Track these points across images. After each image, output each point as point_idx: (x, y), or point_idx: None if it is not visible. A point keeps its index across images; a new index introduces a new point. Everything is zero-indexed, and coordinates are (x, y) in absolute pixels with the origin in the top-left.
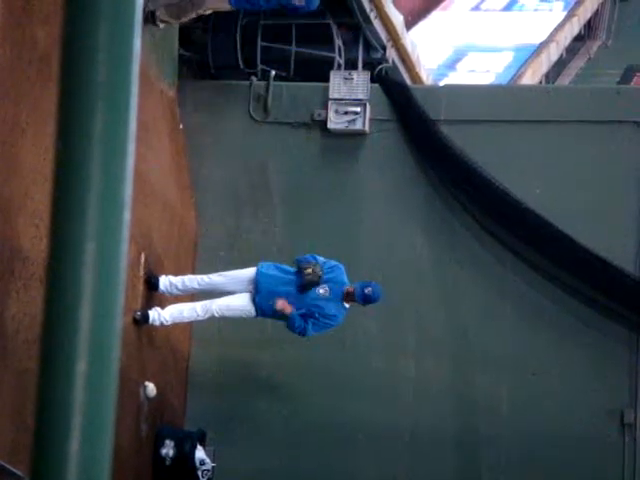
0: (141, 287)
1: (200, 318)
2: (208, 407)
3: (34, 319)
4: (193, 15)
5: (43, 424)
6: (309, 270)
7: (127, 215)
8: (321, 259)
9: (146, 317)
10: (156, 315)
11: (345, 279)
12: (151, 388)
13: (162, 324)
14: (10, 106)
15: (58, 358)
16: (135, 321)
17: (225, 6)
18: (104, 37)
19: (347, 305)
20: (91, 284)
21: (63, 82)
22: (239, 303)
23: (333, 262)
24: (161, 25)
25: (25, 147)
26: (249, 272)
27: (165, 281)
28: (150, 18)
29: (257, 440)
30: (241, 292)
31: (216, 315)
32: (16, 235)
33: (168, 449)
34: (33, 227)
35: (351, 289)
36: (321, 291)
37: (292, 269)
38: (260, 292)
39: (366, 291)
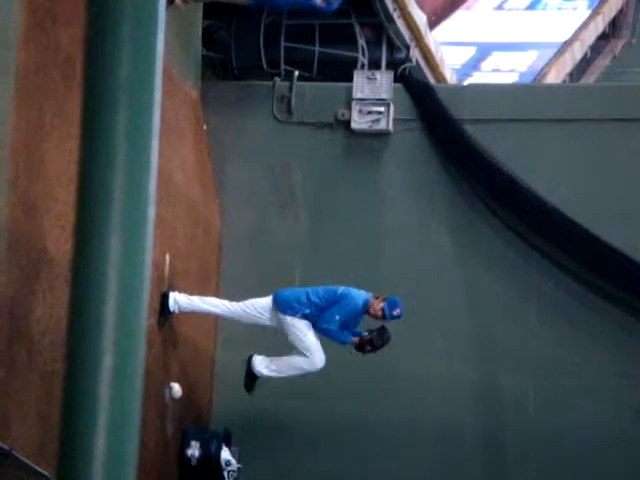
0: (165, 288)
1: (226, 314)
2: (234, 407)
3: (60, 321)
4: None
5: (69, 422)
6: (368, 348)
7: (152, 211)
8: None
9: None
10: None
11: (357, 303)
12: (177, 389)
13: (180, 308)
14: (34, 109)
15: (83, 354)
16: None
17: (242, 1)
18: (127, 36)
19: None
20: (116, 280)
21: (87, 81)
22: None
23: (341, 290)
24: (181, 5)
25: (49, 149)
26: (267, 300)
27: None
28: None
29: (282, 441)
30: (264, 321)
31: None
32: (41, 237)
33: (194, 450)
34: (58, 229)
35: (378, 308)
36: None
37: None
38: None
39: (395, 313)
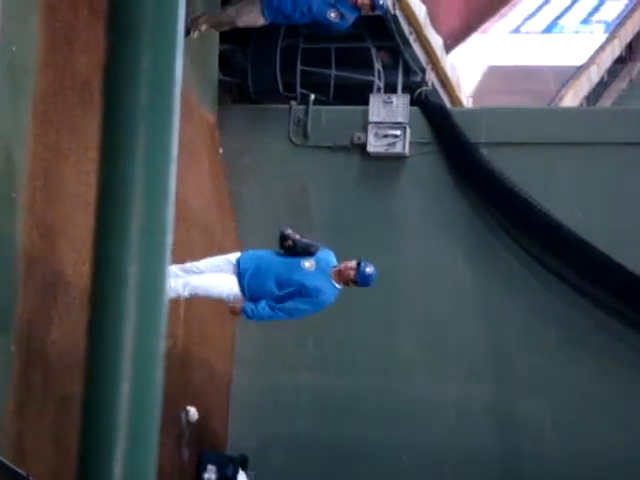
0: (182, 311)
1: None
2: (250, 431)
3: (76, 344)
4: (227, 28)
5: (86, 447)
6: (288, 242)
7: (169, 238)
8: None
9: None
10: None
11: (334, 261)
12: (193, 412)
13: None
14: (52, 132)
15: (101, 381)
16: None
17: (260, 20)
18: (146, 62)
19: (338, 285)
20: (133, 307)
21: (105, 107)
22: (220, 283)
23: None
24: (195, 35)
25: (67, 173)
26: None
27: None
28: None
29: (299, 465)
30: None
31: (198, 293)
32: (58, 260)
33: (210, 474)
34: (75, 252)
35: (349, 267)
36: (306, 264)
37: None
38: (245, 273)
39: (368, 270)
